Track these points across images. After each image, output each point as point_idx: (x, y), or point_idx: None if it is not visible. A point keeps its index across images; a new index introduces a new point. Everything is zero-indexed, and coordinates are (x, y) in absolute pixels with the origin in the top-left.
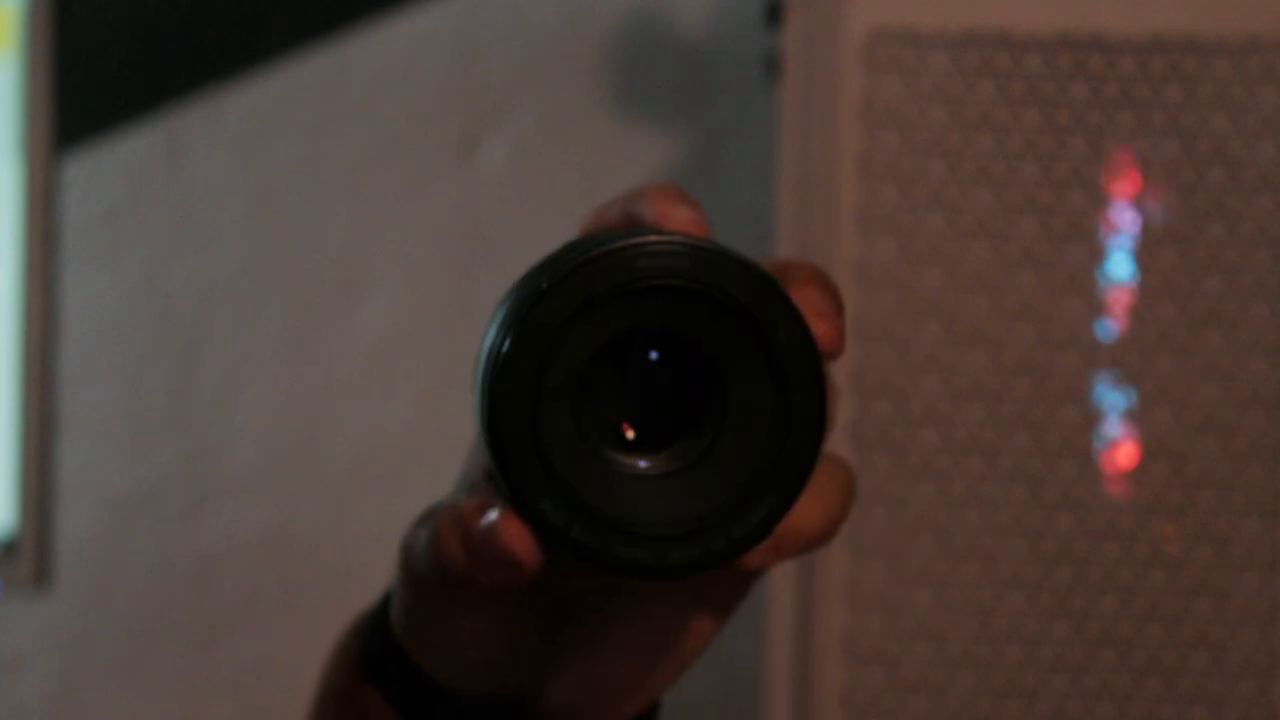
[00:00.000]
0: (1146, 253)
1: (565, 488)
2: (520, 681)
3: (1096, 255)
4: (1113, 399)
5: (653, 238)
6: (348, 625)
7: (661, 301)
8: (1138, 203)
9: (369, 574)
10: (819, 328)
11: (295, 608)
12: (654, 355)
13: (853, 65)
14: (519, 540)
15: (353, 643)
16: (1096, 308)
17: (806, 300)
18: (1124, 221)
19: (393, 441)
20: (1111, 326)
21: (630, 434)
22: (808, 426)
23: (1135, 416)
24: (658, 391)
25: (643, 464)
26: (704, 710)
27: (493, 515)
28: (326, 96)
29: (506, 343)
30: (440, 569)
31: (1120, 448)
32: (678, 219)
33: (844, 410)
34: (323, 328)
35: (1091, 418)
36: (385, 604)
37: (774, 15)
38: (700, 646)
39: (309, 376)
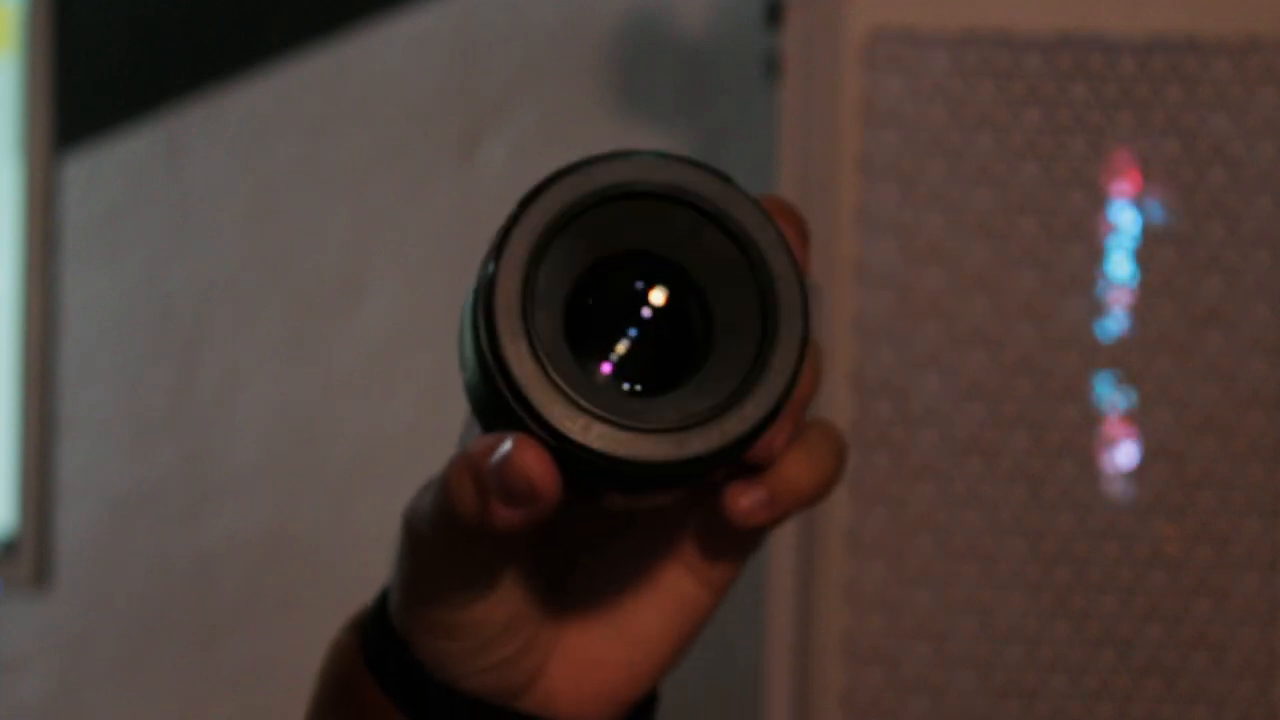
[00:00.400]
0: (1146, 253)
1: (574, 398)
2: (519, 664)
3: (1096, 255)
4: (1113, 399)
5: (602, 154)
6: (345, 622)
7: (623, 206)
8: (1138, 203)
9: (369, 574)
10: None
11: (295, 608)
12: (634, 274)
13: (853, 65)
14: (536, 464)
15: (350, 638)
16: (1096, 308)
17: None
18: (1124, 221)
19: (393, 441)
20: (1111, 326)
21: (623, 350)
22: (791, 303)
23: (1135, 416)
24: (644, 310)
25: (641, 380)
26: (704, 710)
27: (506, 446)
28: (326, 96)
29: (491, 265)
30: (450, 520)
31: (1120, 448)
32: None
33: (844, 410)
34: (323, 328)
35: (1091, 418)
36: (383, 599)
37: (774, 15)
38: (697, 621)
39: (309, 376)
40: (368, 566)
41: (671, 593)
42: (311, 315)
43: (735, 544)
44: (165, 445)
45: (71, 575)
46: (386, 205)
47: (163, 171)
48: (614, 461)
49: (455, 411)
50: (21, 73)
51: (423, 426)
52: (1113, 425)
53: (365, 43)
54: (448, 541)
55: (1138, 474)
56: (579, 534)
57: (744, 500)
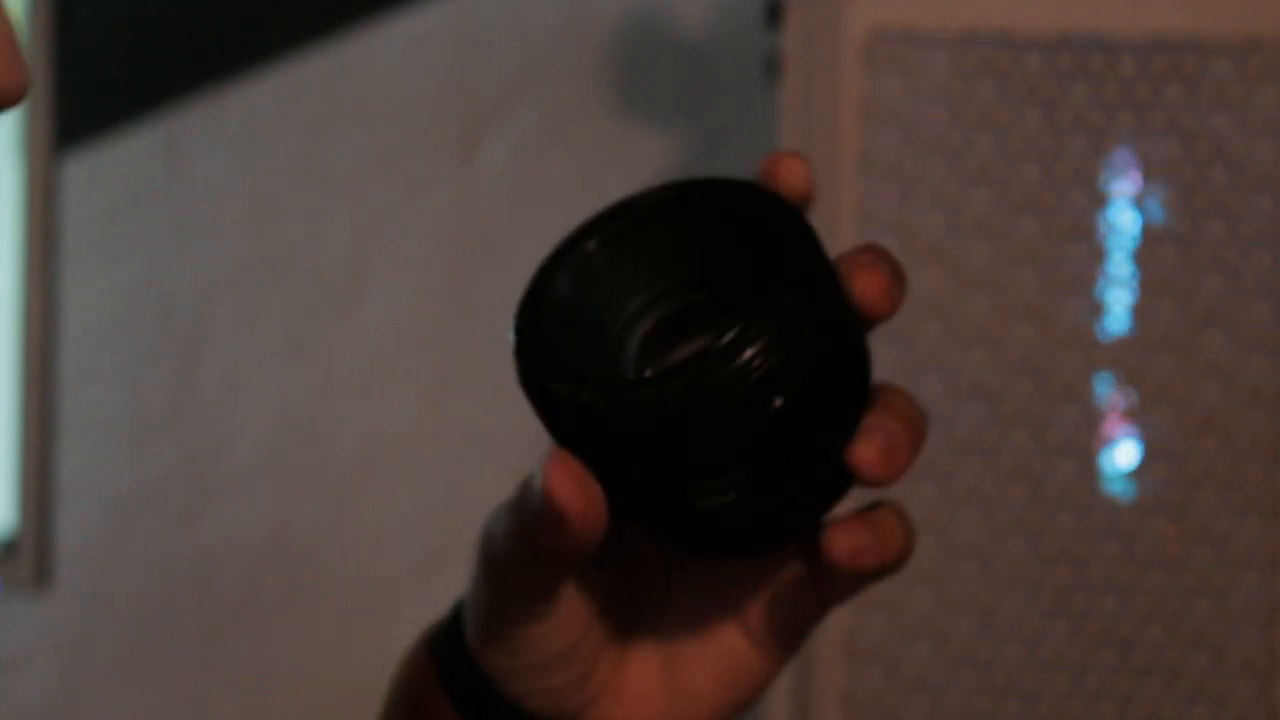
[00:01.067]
0: (1146, 253)
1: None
2: (576, 692)
3: (1096, 255)
4: (1113, 399)
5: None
6: (419, 635)
7: (670, 226)
8: (1138, 203)
9: (369, 574)
10: (862, 279)
11: (295, 608)
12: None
13: (853, 65)
14: (561, 483)
15: (423, 652)
16: (1096, 308)
17: (854, 259)
18: (1124, 221)
19: (393, 441)
20: (1111, 326)
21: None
22: (831, 302)
23: (1135, 416)
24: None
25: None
26: None
27: (539, 472)
28: (326, 96)
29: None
30: (517, 544)
31: (1120, 447)
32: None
33: None
34: (323, 328)
35: (1091, 418)
36: (458, 613)
37: (774, 15)
38: (749, 687)
39: (309, 376)
40: (368, 566)
41: (726, 654)
42: (311, 315)
43: (800, 614)
44: (165, 445)
45: (71, 575)
46: (386, 205)
47: (163, 171)
48: (650, 387)
49: (455, 411)
50: None
51: (423, 426)
52: (1113, 425)
53: (365, 43)
54: (521, 564)
55: (1138, 474)
56: (652, 580)
57: (846, 540)
